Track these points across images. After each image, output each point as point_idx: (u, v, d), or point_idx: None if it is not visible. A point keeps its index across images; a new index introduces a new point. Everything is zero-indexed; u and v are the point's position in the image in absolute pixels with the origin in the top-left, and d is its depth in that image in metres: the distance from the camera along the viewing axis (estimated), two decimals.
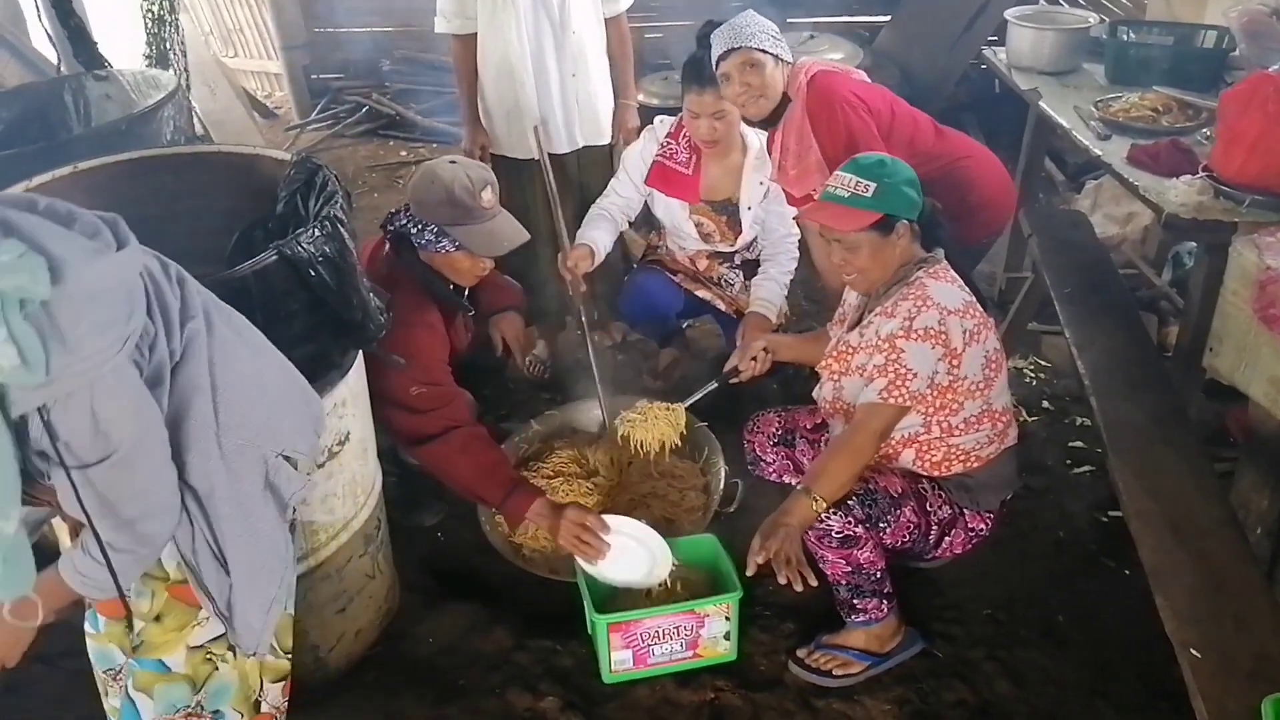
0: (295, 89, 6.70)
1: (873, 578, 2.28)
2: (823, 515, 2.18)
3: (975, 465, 2.33)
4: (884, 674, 2.38)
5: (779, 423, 2.68)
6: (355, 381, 2.23)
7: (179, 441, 1.53)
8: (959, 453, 2.31)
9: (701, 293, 3.38)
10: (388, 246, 2.68)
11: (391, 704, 2.36)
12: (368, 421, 2.35)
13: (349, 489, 2.25)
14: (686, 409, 2.82)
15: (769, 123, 2.90)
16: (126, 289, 1.39)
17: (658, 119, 3.33)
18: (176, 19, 4.59)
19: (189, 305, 1.56)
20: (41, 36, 4.47)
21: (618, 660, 2.35)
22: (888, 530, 2.23)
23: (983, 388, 2.25)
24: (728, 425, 2.97)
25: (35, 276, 1.24)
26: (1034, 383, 3.52)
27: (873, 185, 2.18)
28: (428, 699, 2.37)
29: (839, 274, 2.38)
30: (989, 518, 2.38)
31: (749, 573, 2.17)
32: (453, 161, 2.62)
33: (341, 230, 1.99)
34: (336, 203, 2.03)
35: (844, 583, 2.29)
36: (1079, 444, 3.19)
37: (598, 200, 3.32)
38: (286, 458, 1.73)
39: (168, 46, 4.53)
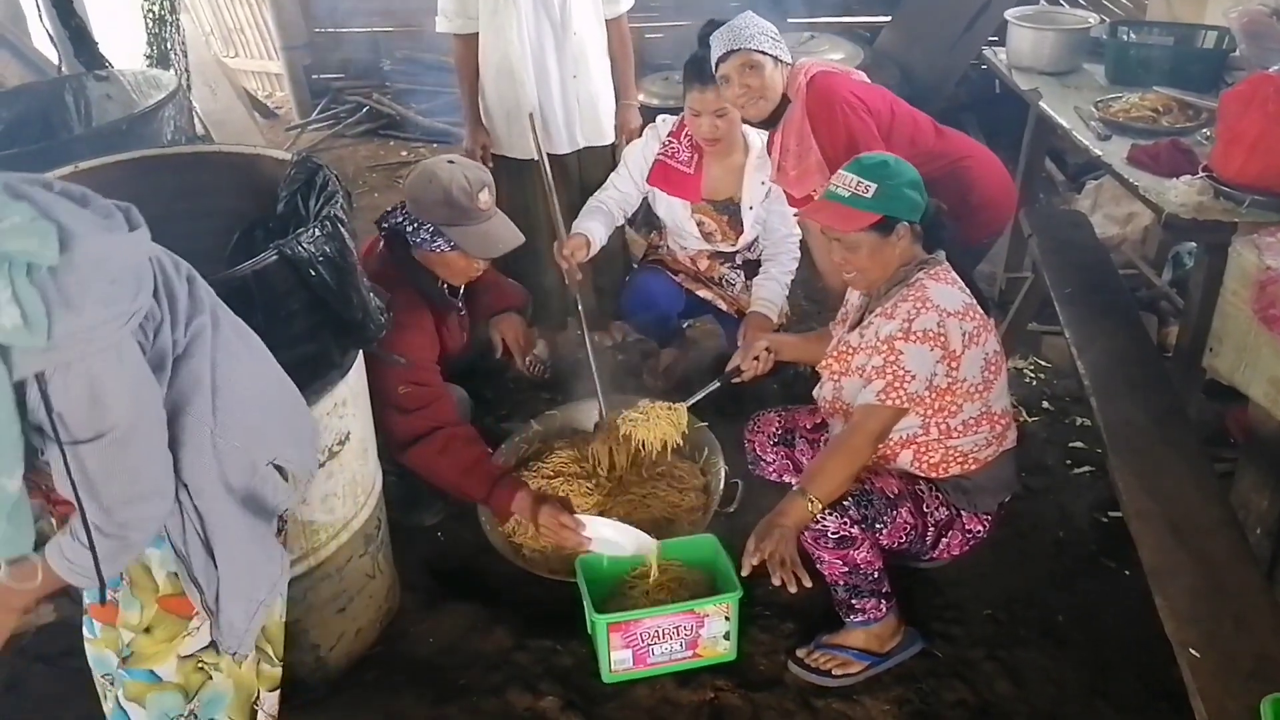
0: (296, 89, 6.70)
1: (870, 578, 2.28)
2: (818, 516, 2.19)
3: (973, 467, 2.33)
4: (884, 674, 2.38)
5: (779, 422, 2.69)
6: (355, 381, 2.23)
7: (175, 435, 1.53)
8: (957, 455, 2.31)
9: (703, 292, 3.38)
10: (382, 244, 2.69)
11: (392, 703, 2.36)
12: (368, 421, 2.35)
13: (349, 489, 2.25)
14: (688, 408, 2.83)
15: (769, 124, 2.90)
16: (135, 267, 1.40)
17: (660, 118, 3.34)
18: (177, 19, 4.60)
19: (197, 302, 1.56)
20: (42, 36, 4.47)
21: (617, 660, 2.35)
22: (884, 531, 2.23)
23: (982, 390, 2.25)
24: (728, 425, 2.97)
25: (44, 242, 1.25)
26: (1034, 383, 3.53)
27: (874, 186, 2.18)
28: (428, 698, 2.37)
29: (840, 273, 2.38)
30: (986, 520, 2.38)
31: (744, 573, 2.18)
32: (451, 161, 2.62)
33: (342, 230, 1.99)
34: (337, 202, 2.03)
35: (841, 583, 2.29)
36: (1079, 444, 3.19)
37: (595, 193, 3.32)
38: (277, 468, 1.72)
39: (168, 46, 4.53)
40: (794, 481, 2.42)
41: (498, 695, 2.37)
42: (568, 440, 3.09)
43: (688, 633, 2.36)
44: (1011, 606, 2.57)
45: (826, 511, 2.19)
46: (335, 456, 2.16)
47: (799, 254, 3.30)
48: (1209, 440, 2.84)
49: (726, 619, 2.36)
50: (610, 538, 2.51)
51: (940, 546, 2.37)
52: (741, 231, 3.30)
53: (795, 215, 3.17)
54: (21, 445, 1.34)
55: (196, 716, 1.79)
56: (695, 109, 3.05)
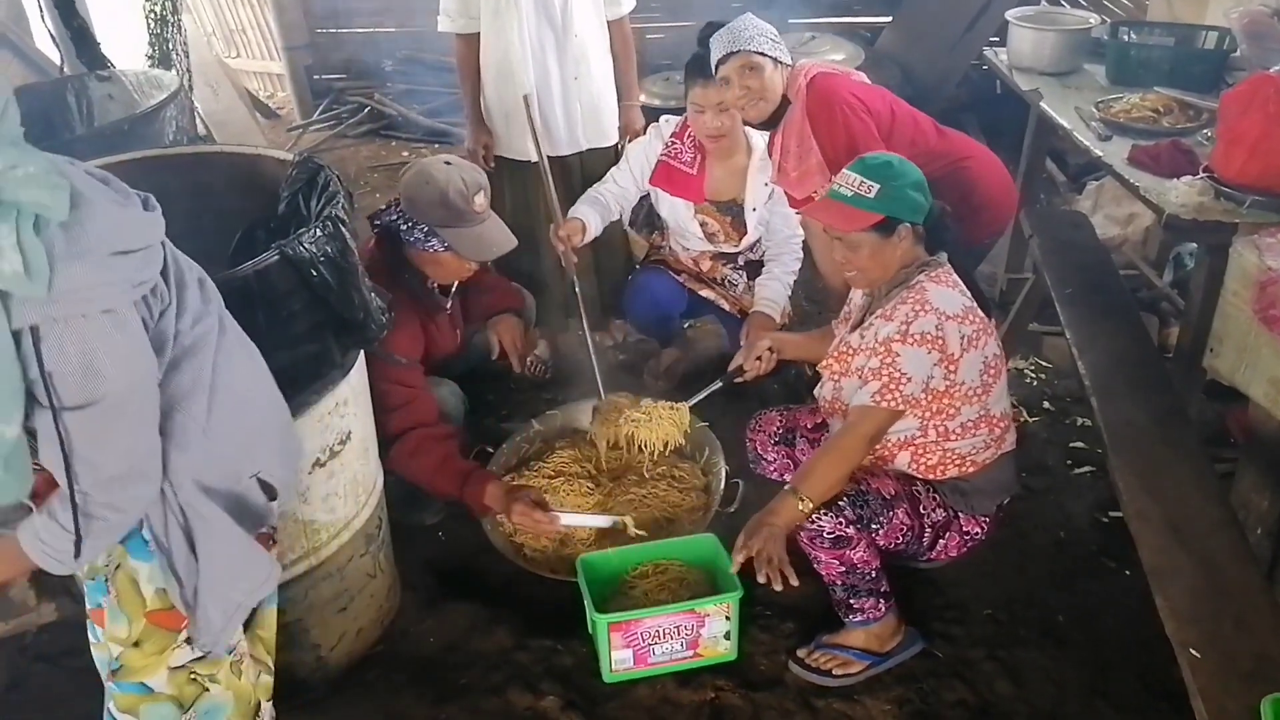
0: (297, 89, 6.71)
1: (868, 577, 2.28)
2: (814, 516, 2.19)
3: (971, 470, 2.33)
4: (884, 674, 2.38)
5: (781, 421, 2.69)
6: (357, 381, 2.24)
7: (168, 429, 1.52)
8: (954, 457, 2.31)
9: (705, 292, 3.39)
10: (373, 242, 2.69)
11: (392, 703, 2.37)
12: (369, 421, 2.35)
13: (350, 488, 2.26)
14: (690, 408, 2.83)
15: (769, 125, 2.91)
16: (144, 244, 1.40)
17: (663, 118, 3.34)
18: (179, 19, 4.60)
19: (207, 304, 1.57)
20: (44, 37, 4.47)
21: (618, 659, 2.36)
22: (880, 531, 2.23)
23: (980, 393, 2.25)
24: (729, 425, 2.98)
25: (56, 196, 1.26)
26: (1035, 383, 3.53)
27: (876, 186, 2.18)
28: (428, 698, 2.38)
29: (841, 274, 2.39)
30: (984, 522, 2.38)
31: (732, 570, 2.20)
32: (448, 162, 2.64)
33: (343, 230, 1.99)
34: (338, 203, 2.04)
35: (839, 583, 2.29)
36: (1080, 445, 3.19)
37: (594, 185, 3.32)
38: (262, 484, 1.71)
39: (170, 47, 4.53)
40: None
41: (498, 695, 2.37)
42: (568, 440, 3.09)
43: (688, 632, 2.36)
44: (1012, 606, 2.58)
45: (822, 511, 2.19)
46: (336, 456, 2.17)
47: (802, 254, 3.31)
48: (1209, 441, 2.84)
49: (727, 619, 2.36)
50: (580, 524, 2.63)
51: (938, 548, 2.37)
52: (744, 233, 3.30)
53: (798, 215, 3.18)
54: (21, 393, 1.31)
55: None
56: (698, 104, 3.05)
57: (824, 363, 2.43)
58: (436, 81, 6.41)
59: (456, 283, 2.87)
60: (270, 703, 1.95)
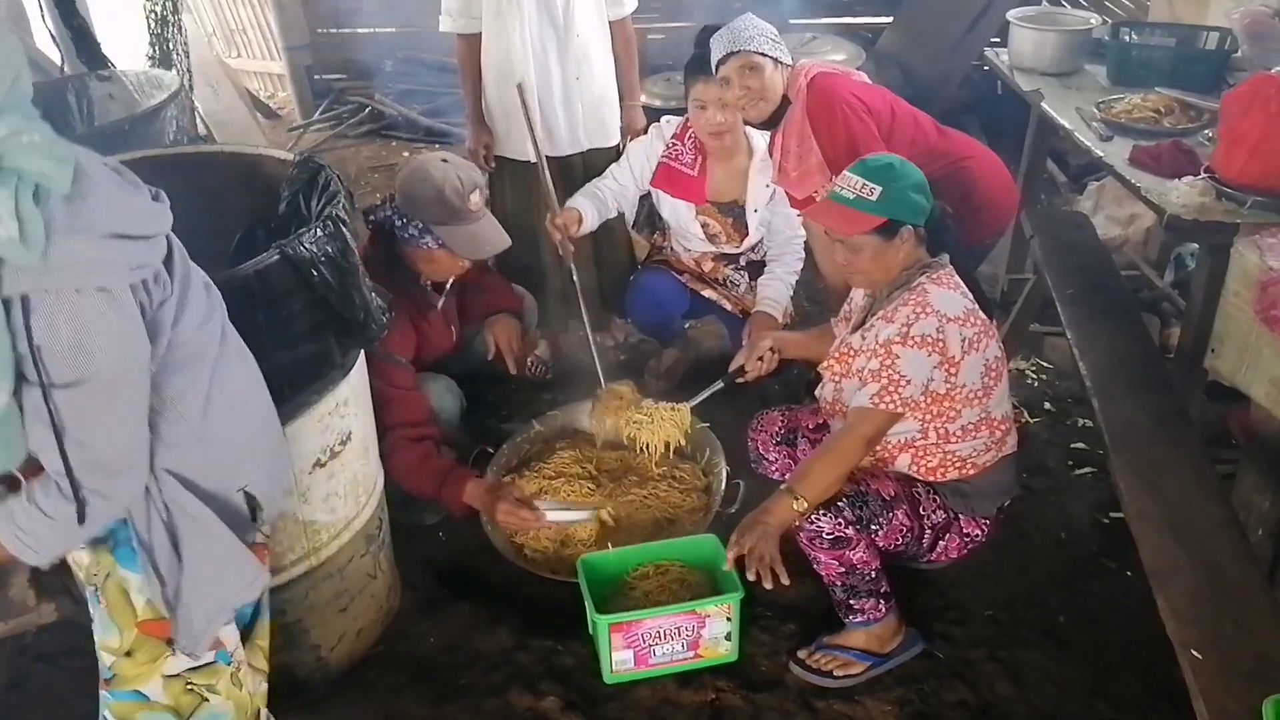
0: (298, 89, 6.70)
1: (868, 578, 2.28)
2: (813, 517, 2.19)
3: (971, 472, 2.33)
4: (885, 674, 2.38)
5: (783, 421, 2.69)
6: (357, 381, 2.24)
7: (160, 429, 1.50)
8: (955, 459, 2.31)
9: (707, 292, 3.39)
10: (367, 238, 2.70)
11: (392, 703, 2.36)
12: (369, 421, 2.35)
13: (350, 488, 2.25)
14: (691, 409, 2.83)
15: (769, 125, 2.91)
16: (148, 231, 1.39)
17: (664, 119, 3.34)
18: (179, 19, 4.60)
19: (212, 310, 1.56)
20: (45, 36, 4.47)
21: (619, 660, 2.35)
22: (880, 532, 2.23)
23: (981, 396, 2.24)
24: (730, 426, 2.97)
25: (59, 168, 1.25)
26: (1036, 384, 3.52)
27: (878, 189, 2.17)
28: (429, 698, 2.37)
29: (842, 274, 2.38)
30: (985, 524, 2.37)
31: (726, 568, 2.21)
32: (444, 160, 2.65)
33: (344, 230, 1.99)
34: (339, 202, 2.04)
35: (839, 584, 2.29)
36: (1081, 445, 3.19)
37: (593, 180, 3.32)
38: (248, 496, 1.69)
39: (171, 47, 4.53)
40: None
41: (499, 695, 2.37)
42: (569, 441, 3.09)
43: (689, 633, 2.36)
44: (1013, 607, 2.57)
45: (822, 512, 2.19)
46: (337, 456, 2.17)
47: (804, 254, 3.31)
48: (1210, 441, 2.83)
49: (728, 619, 2.36)
50: (563, 519, 2.65)
51: (938, 549, 2.37)
52: (746, 234, 3.30)
53: (799, 215, 3.18)
54: (11, 363, 1.29)
55: None
56: (700, 99, 3.05)
57: (825, 364, 2.43)
58: (437, 81, 6.41)
59: (450, 281, 2.88)
60: (267, 709, 1.94)
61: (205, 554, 1.61)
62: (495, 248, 2.75)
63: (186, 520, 1.57)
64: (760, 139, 3.18)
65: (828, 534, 2.19)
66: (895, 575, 2.38)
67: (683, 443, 2.86)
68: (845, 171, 2.25)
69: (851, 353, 2.34)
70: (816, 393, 2.53)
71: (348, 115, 6.47)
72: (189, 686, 1.73)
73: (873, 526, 2.22)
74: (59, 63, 4.33)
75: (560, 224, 3.09)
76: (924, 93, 4.93)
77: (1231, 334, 2.32)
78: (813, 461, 2.25)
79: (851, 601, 2.31)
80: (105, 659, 1.70)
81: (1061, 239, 3.30)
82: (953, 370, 2.18)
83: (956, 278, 2.28)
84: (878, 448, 2.31)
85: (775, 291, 3.24)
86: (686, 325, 3.66)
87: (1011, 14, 3.77)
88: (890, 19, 5.73)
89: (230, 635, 1.76)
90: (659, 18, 6.02)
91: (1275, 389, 2.19)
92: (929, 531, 2.31)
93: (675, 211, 3.31)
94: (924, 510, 2.30)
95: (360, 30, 6.71)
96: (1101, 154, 3.03)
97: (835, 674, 2.37)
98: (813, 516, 2.19)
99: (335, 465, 2.17)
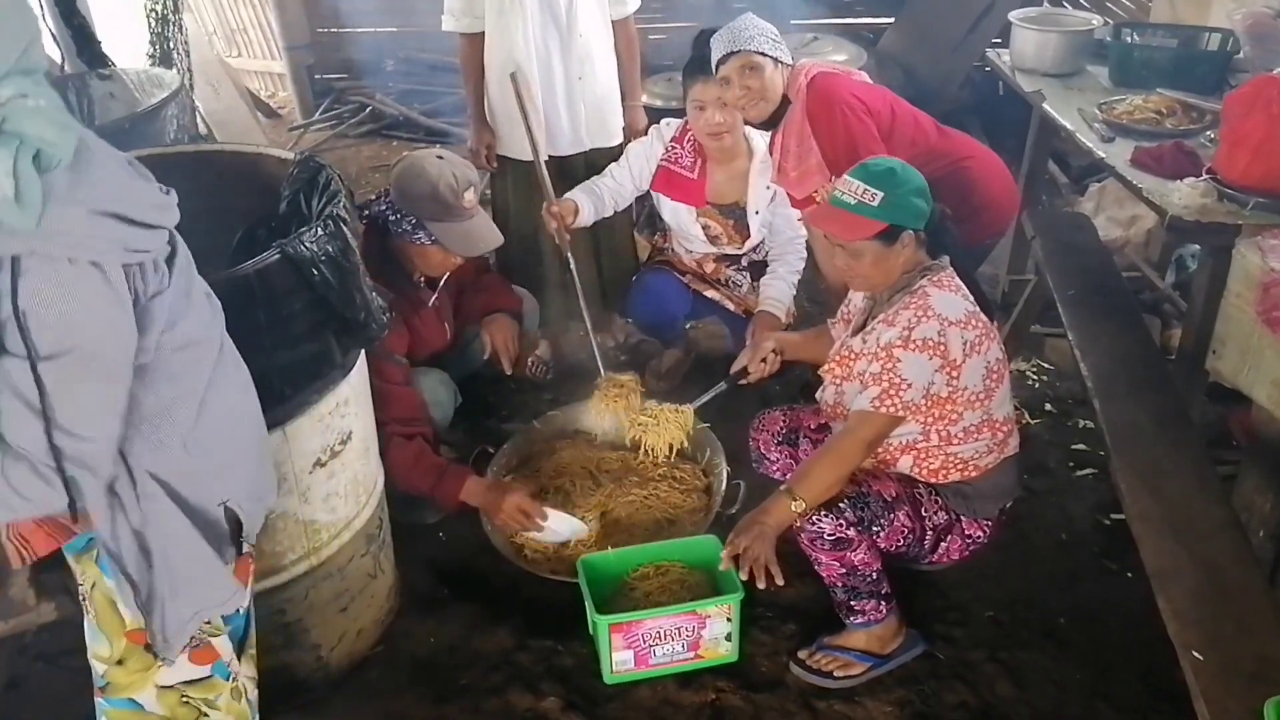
0: (298, 89, 6.70)
1: (869, 579, 2.28)
2: (814, 518, 2.19)
3: (973, 474, 2.32)
4: (885, 675, 2.38)
5: (784, 421, 2.68)
6: (358, 381, 2.23)
7: (147, 432, 1.46)
8: (957, 461, 2.30)
9: (710, 293, 3.39)
10: (360, 232, 2.70)
11: (393, 703, 2.36)
12: (370, 421, 2.35)
13: (351, 488, 2.25)
14: (694, 411, 2.83)
15: (769, 125, 2.91)
16: (151, 221, 1.37)
17: (664, 121, 3.34)
18: (180, 18, 4.60)
19: (215, 317, 1.56)
20: (45, 35, 4.46)
21: (619, 661, 2.35)
22: (881, 534, 2.23)
23: (983, 398, 2.24)
24: (731, 426, 2.97)
25: (62, 135, 1.24)
26: (1037, 385, 3.52)
27: (880, 194, 2.16)
28: (429, 698, 2.37)
29: (842, 277, 2.38)
30: (986, 525, 2.37)
31: (722, 567, 2.20)
32: (440, 157, 2.66)
33: (344, 229, 1.99)
34: (339, 202, 2.04)
35: (840, 585, 2.29)
36: (1081, 446, 3.19)
37: (592, 179, 3.31)
38: (229, 513, 1.63)
39: (171, 46, 4.54)
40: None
41: (499, 695, 2.37)
42: (569, 440, 3.09)
43: (689, 634, 2.35)
44: (1013, 608, 2.57)
45: (823, 513, 2.19)
46: (337, 456, 2.16)
47: (805, 254, 3.31)
48: (1212, 442, 2.83)
49: (728, 620, 2.36)
50: (556, 528, 2.65)
51: (939, 550, 2.36)
52: (748, 235, 3.30)
53: (800, 219, 3.17)
54: None
55: None
56: (699, 100, 3.05)
57: (826, 366, 2.43)
58: (437, 81, 6.41)
59: (445, 277, 2.88)
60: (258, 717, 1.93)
61: (179, 560, 1.56)
62: (488, 245, 2.77)
63: (159, 524, 1.52)
64: (760, 140, 3.18)
65: (829, 535, 2.19)
66: (896, 576, 2.38)
67: (685, 444, 2.86)
68: (846, 176, 2.24)
69: (852, 355, 2.34)
70: (817, 395, 2.52)
71: (348, 115, 6.46)
72: (184, 699, 1.71)
73: (874, 528, 2.21)
74: (59, 62, 4.33)
75: (556, 212, 3.09)
76: (925, 93, 4.92)
77: (1233, 335, 2.31)
78: (813, 463, 2.25)
79: (852, 602, 2.31)
80: (98, 667, 1.69)
81: (1063, 240, 3.30)
82: (954, 373, 2.17)
83: (957, 279, 2.27)
84: (879, 449, 2.31)
85: (778, 291, 3.24)
86: (688, 326, 3.66)
87: (1013, 15, 3.77)
88: (892, 19, 5.73)
89: (223, 646, 1.73)
90: (660, 18, 6.02)
91: (1277, 390, 2.19)
92: (931, 533, 2.31)
93: (676, 214, 3.31)
94: (926, 512, 2.29)
95: (361, 30, 6.71)
96: (1103, 155, 3.03)
97: (836, 675, 2.36)
98: (814, 517, 2.19)
99: (336, 465, 2.17)
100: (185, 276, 1.49)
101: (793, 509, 2.17)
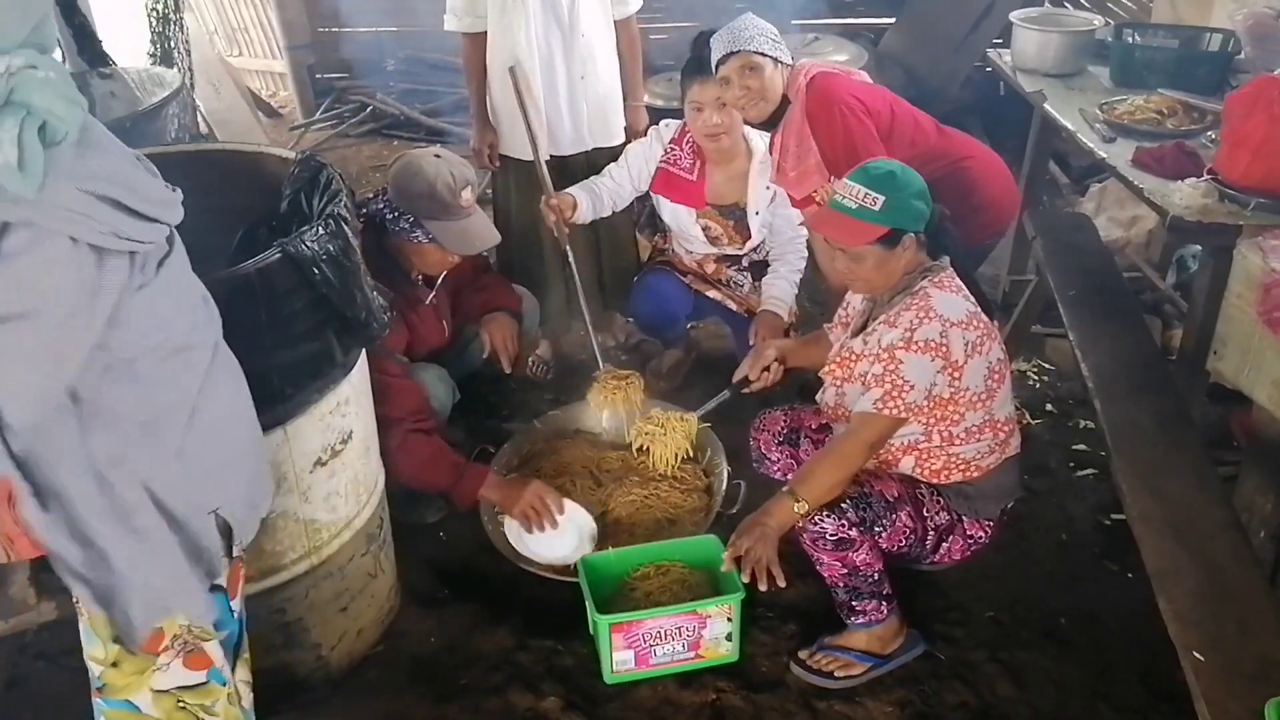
0: (299, 88, 6.70)
1: (870, 580, 2.28)
2: (816, 518, 2.18)
3: (975, 475, 2.32)
4: (886, 675, 2.38)
5: (785, 421, 2.68)
6: (359, 380, 2.23)
7: (139, 437, 1.44)
8: (959, 462, 2.30)
9: (712, 293, 3.38)
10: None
11: (393, 703, 2.36)
12: (370, 420, 2.35)
13: (351, 487, 2.25)
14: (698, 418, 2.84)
15: (769, 125, 2.91)
16: (150, 213, 1.37)
17: (664, 123, 3.34)
18: (181, 17, 4.61)
19: (210, 321, 1.55)
20: None
21: (619, 660, 2.35)
22: (883, 534, 2.23)
23: (985, 399, 2.24)
24: (731, 426, 2.97)
25: (69, 109, 1.24)
26: (1037, 385, 3.52)
27: (881, 198, 2.15)
28: (429, 698, 2.37)
29: (843, 278, 2.38)
30: (988, 526, 2.37)
31: (724, 569, 2.20)
32: (437, 155, 2.66)
33: (345, 229, 1.99)
34: (340, 201, 2.03)
35: (841, 585, 2.29)
36: (1082, 447, 3.19)
37: (590, 178, 3.31)
38: (220, 522, 1.62)
39: (172, 45, 4.54)
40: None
41: (499, 695, 2.37)
42: (570, 440, 3.09)
43: (690, 634, 2.35)
44: (1014, 609, 2.57)
45: (825, 513, 2.19)
46: (338, 455, 2.16)
47: (806, 253, 3.31)
48: (1212, 443, 2.83)
49: (729, 620, 2.36)
50: (573, 517, 2.68)
51: (941, 551, 2.36)
52: (749, 236, 3.30)
53: (802, 222, 3.17)
54: None
55: None
56: (697, 101, 3.04)
57: (826, 368, 2.42)
58: (438, 81, 6.40)
59: (442, 275, 2.88)
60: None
61: (147, 567, 1.52)
62: (485, 243, 2.78)
63: (118, 519, 1.47)
64: (760, 141, 3.18)
65: (831, 535, 2.19)
66: (896, 576, 2.38)
67: (691, 452, 2.87)
68: (846, 179, 2.23)
69: (853, 357, 2.34)
70: (817, 397, 2.52)
71: (349, 114, 6.46)
72: (180, 704, 1.70)
73: (876, 528, 2.21)
74: (60, 60, 4.33)
75: (555, 204, 3.09)
76: (926, 94, 4.92)
77: (1234, 336, 2.31)
78: (815, 464, 2.25)
79: (853, 603, 2.31)
80: (94, 669, 1.68)
81: (1063, 240, 3.30)
82: (956, 374, 2.17)
83: (958, 280, 2.27)
84: (881, 450, 2.31)
85: (780, 290, 3.24)
86: (690, 326, 3.66)
87: (1014, 15, 3.77)
88: (893, 20, 5.73)
89: (215, 651, 1.71)
90: (662, 17, 6.02)
91: (1277, 391, 2.19)
92: (932, 533, 2.31)
93: (676, 216, 3.31)
94: (927, 512, 2.29)
95: (362, 29, 6.70)
96: (1104, 155, 3.03)
97: (836, 675, 2.36)
98: (816, 518, 2.19)
99: (336, 464, 2.17)
100: (181, 278, 1.48)
101: (795, 510, 2.17)
